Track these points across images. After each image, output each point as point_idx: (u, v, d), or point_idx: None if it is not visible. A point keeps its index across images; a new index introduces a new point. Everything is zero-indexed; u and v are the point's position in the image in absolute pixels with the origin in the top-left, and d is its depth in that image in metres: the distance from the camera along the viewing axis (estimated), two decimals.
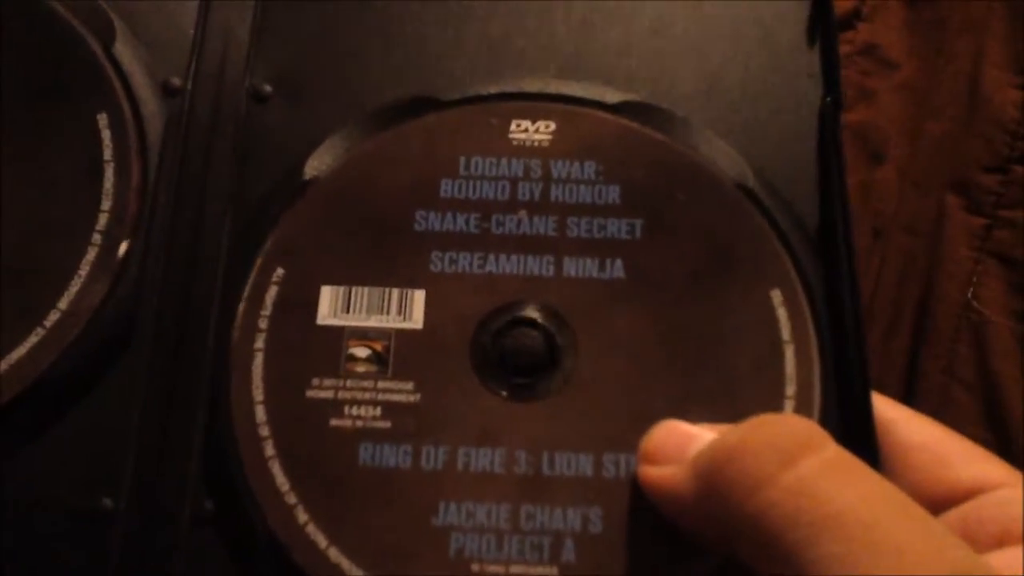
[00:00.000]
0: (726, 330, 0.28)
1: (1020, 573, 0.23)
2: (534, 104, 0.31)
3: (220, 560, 0.26)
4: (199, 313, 0.28)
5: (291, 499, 0.26)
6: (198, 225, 0.29)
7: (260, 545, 0.26)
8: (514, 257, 0.29)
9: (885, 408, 0.27)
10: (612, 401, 0.27)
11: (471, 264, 0.29)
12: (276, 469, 0.26)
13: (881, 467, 0.25)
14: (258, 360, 0.28)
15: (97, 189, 0.29)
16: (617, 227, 0.29)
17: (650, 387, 0.27)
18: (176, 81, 0.31)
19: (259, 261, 0.29)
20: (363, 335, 0.28)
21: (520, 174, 0.30)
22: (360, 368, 0.28)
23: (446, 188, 0.30)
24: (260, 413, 0.27)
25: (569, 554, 0.26)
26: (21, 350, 0.27)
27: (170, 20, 0.32)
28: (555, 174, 0.30)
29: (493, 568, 0.25)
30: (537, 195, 0.29)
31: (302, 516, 0.26)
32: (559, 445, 0.27)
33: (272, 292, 0.28)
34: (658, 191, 0.29)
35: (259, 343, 0.28)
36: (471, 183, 0.30)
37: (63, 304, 0.28)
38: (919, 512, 0.21)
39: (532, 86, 0.31)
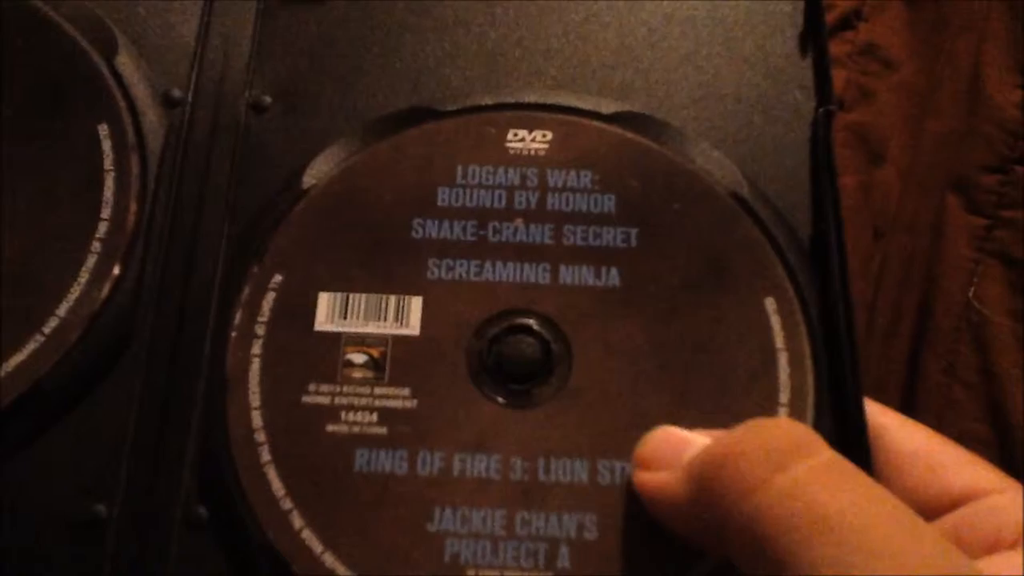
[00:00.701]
0: (720, 338, 0.28)
1: None
2: (531, 114, 0.31)
3: (214, 566, 0.27)
4: (196, 320, 0.29)
5: (286, 504, 0.26)
6: (197, 233, 0.30)
7: (255, 551, 0.26)
8: (511, 265, 0.29)
9: (878, 414, 0.28)
10: (607, 408, 0.27)
11: (468, 271, 0.29)
12: (272, 474, 0.27)
13: (874, 473, 0.26)
14: (255, 366, 0.28)
15: (97, 198, 0.29)
16: (612, 235, 0.29)
17: (645, 394, 0.27)
18: (177, 92, 0.31)
19: (257, 268, 0.29)
20: (360, 341, 0.28)
21: (517, 183, 0.30)
22: (357, 374, 0.28)
23: (443, 196, 0.30)
24: (256, 419, 0.27)
25: (564, 560, 0.26)
26: (20, 356, 0.28)
27: (171, 32, 0.32)
28: (551, 183, 0.30)
29: (488, 574, 0.26)
30: (533, 203, 0.30)
31: (297, 522, 0.26)
32: (554, 452, 0.27)
33: (270, 298, 0.29)
34: (653, 200, 0.30)
35: (256, 349, 0.28)
36: (468, 191, 0.30)
37: (62, 311, 0.28)
38: (911, 516, 0.21)
39: (529, 96, 0.31)
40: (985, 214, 0.46)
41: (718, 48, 0.32)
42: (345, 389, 0.28)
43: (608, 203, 0.30)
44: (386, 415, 0.27)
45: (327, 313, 0.28)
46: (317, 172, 0.30)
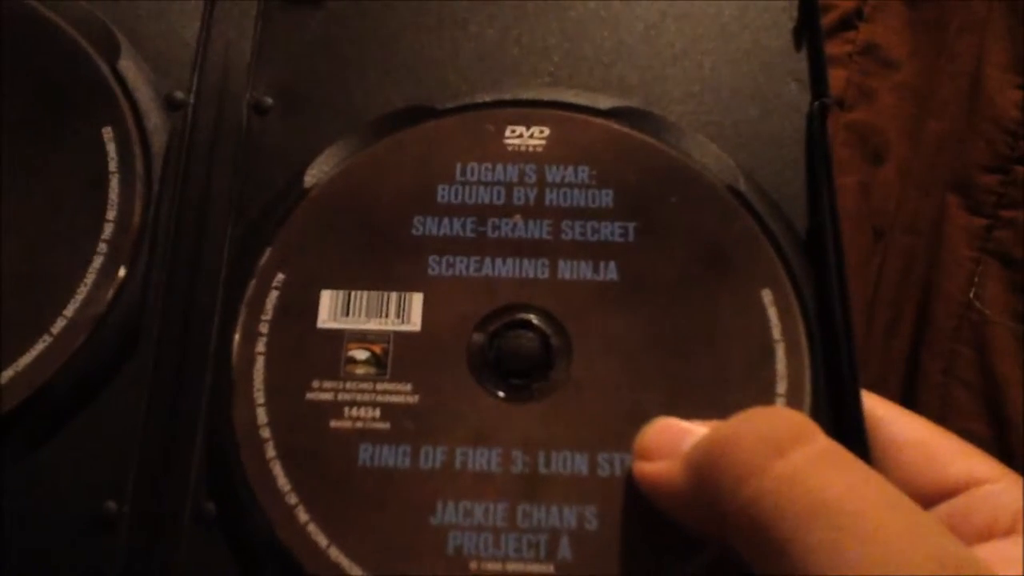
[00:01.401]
0: (718, 330, 0.28)
1: (1005, 564, 0.23)
2: (528, 111, 0.31)
3: (222, 560, 0.27)
4: (202, 319, 0.29)
5: (292, 499, 0.27)
6: (201, 233, 0.30)
7: (261, 545, 0.26)
8: (510, 260, 0.29)
9: (875, 405, 0.28)
10: (607, 401, 0.28)
11: (468, 267, 0.29)
12: (277, 470, 0.27)
13: (871, 463, 0.26)
14: (259, 363, 0.28)
15: (102, 199, 0.30)
16: (610, 230, 0.30)
17: (644, 386, 0.28)
18: (179, 94, 0.32)
19: (260, 267, 0.29)
20: (362, 338, 0.28)
21: (515, 179, 0.30)
22: (359, 370, 0.28)
23: (443, 194, 0.30)
24: (261, 415, 0.28)
25: (565, 552, 0.26)
26: (28, 357, 0.28)
27: (173, 35, 0.33)
28: (549, 179, 0.30)
29: (490, 566, 0.26)
30: (532, 199, 0.30)
31: (303, 516, 0.26)
32: (555, 445, 0.27)
33: (273, 297, 0.29)
34: (650, 194, 0.30)
35: (260, 347, 0.28)
36: (467, 188, 0.30)
37: (69, 312, 0.28)
38: (907, 503, 0.21)
39: (526, 93, 0.32)
40: (985, 214, 0.46)
41: (714, 43, 0.32)
42: (348, 385, 0.28)
43: (606, 198, 0.30)
44: (389, 410, 0.28)
45: (329, 310, 0.29)
46: (318, 172, 0.30)
